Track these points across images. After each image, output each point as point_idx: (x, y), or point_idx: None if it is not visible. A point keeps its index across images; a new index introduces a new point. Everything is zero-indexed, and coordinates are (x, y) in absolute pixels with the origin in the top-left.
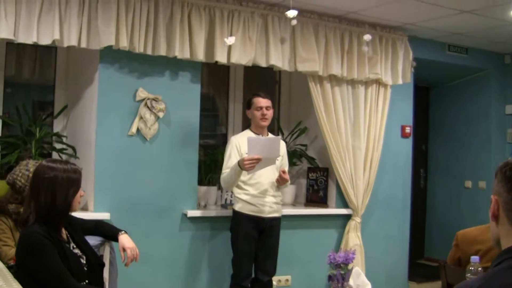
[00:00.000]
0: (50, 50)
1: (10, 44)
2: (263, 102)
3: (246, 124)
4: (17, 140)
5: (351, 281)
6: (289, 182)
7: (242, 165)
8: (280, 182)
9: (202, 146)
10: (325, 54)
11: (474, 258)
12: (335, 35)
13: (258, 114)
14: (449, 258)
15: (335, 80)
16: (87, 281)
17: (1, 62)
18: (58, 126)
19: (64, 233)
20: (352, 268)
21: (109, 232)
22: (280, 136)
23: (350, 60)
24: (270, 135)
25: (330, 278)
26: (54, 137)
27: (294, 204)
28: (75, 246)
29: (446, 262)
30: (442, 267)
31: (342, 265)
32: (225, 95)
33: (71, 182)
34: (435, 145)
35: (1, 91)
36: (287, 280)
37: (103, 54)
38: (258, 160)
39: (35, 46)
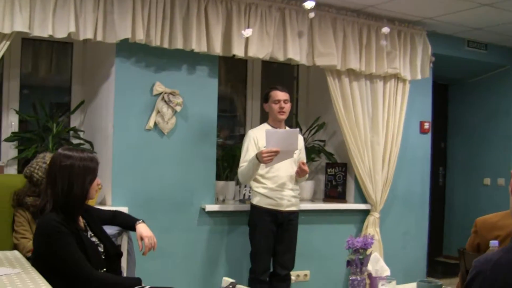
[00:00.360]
0: (66, 47)
1: (25, 41)
2: (281, 95)
3: (264, 120)
4: (34, 136)
5: (369, 266)
6: (308, 174)
7: (260, 158)
8: (300, 173)
9: (220, 147)
10: (343, 48)
11: (494, 243)
12: (353, 29)
13: (276, 107)
14: (468, 245)
15: (353, 74)
16: (104, 269)
17: (17, 59)
18: (75, 122)
19: (81, 221)
20: (370, 253)
21: (126, 222)
22: (297, 129)
23: (368, 55)
24: (288, 128)
25: (348, 263)
26: (71, 132)
27: (313, 200)
28: (92, 235)
29: (465, 249)
30: (461, 254)
31: (360, 250)
32: (242, 93)
33: (88, 170)
34: (454, 143)
35: (18, 88)
36: (305, 275)
37: (119, 48)
38: (276, 152)
39: (51, 43)
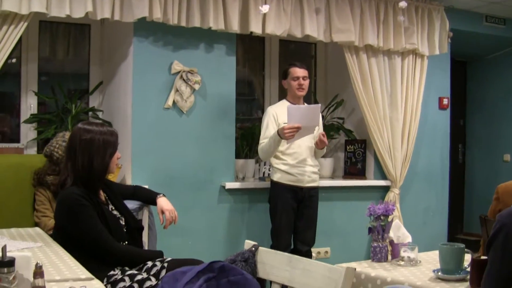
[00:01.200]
0: (83, 29)
1: (43, 24)
2: (300, 72)
3: (283, 98)
4: (53, 117)
5: (391, 233)
6: (326, 147)
7: (282, 134)
8: (319, 145)
9: (239, 129)
10: (361, 24)
11: None
12: (371, 5)
13: (295, 84)
14: (489, 212)
15: (371, 50)
16: (126, 242)
17: (35, 42)
18: (93, 103)
19: (102, 195)
20: (392, 220)
21: (147, 196)
22: (319, 105)
23: (386, 30)
24: (306, 105)
25: (370, 230)
26: (90, 113)
27: (332, 177)
28: (113, 208)
29: (487, 216)
30: (483, 221)
31: (382, 216)
32: (260, 73)
33: (108, 144)
34: (473, 120)
35: (36, 71)
36: (326, 252)
37: (137, 28)
38: (298, 128)
39: (68, 25)
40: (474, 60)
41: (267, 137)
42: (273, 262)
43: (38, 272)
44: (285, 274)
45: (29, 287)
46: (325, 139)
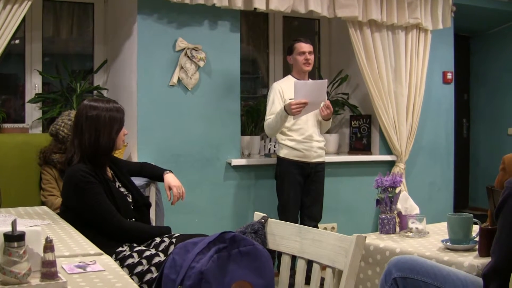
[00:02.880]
0: (87, 8)
1: (46, 3)
2: (305, 47)
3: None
4: (58, 96)
5: (399, 205)
6: (331, 119)
7: (288, 110)
8: (324, 113)
9: (244, 107)
10: None
11: None
12: None
13: (301, 59)
14: (496, 182)
15: (375, 25)
16: (133, 219)
17: (39, 22)
18: (98, 81)
19: (109, 172)
20: (399, 192)
21: (154, 172)
22: (326, 80)
23: (390, 5)
24: (311, 81)
25: (378, 202)
26: (95, 92)
27: (338, 153)
28: (120, 185)
29: (493, 186)
30: (489, 191)
31: (389, 188)
32: (264, 50)
33: (114, 120)
34: (477, 95)
35: (40, 50)
36: (333, 227)
37: (141, 5)
38: (305, 104)
39: (72, 4)
40: (477, 34)
41: (273, 113)
42: (282, 233)
43: (48, 246)
44: (295, 245)
45: (39, 261)
46: (330, 108)
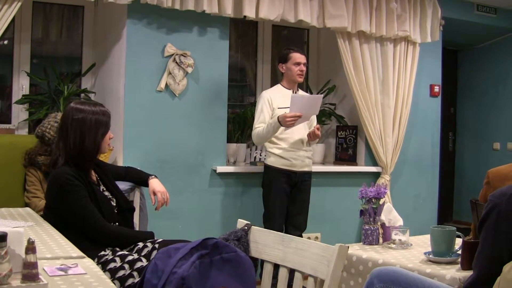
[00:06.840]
0: (77, 11)
1: (36, 5)
2: (301, 58)
3: (275, 84)
4: (46, 98)
5: (383, 216)
6: (319, 139)
7: (283, 122)
8: (312, 137)
9: (231, 114)
10: (354, 10)
11: None
12: None
13: (295, 69)
14: (480, 196)
15: (363, 37)
16: (117, 223)
17: (28, 23)
18: (86, 85)
19: (94, 175)
20: (384, 203)
21: (139, 177)
22: (322, 95)
23: (379, 17)
24: (300, 91)
25: (361, 213)
26: (82, 95)
27: (323, 163)
28: (105, 189)
29: (478, 200)
30: (473, 205)
31: (373, 199)
32: (253, 59)
33: (100, 123)
34: (464, 108)
35: (28, 52)
36: (316, 237)
37: (131, 10)
38: (299, 117)
39: (62, 7)
40: (465, 48)
41: (262, 122)
42: (265, 241)
43: (30, 247)
44: (278, 253)
45: (21, 263)
46: (318, 133)
